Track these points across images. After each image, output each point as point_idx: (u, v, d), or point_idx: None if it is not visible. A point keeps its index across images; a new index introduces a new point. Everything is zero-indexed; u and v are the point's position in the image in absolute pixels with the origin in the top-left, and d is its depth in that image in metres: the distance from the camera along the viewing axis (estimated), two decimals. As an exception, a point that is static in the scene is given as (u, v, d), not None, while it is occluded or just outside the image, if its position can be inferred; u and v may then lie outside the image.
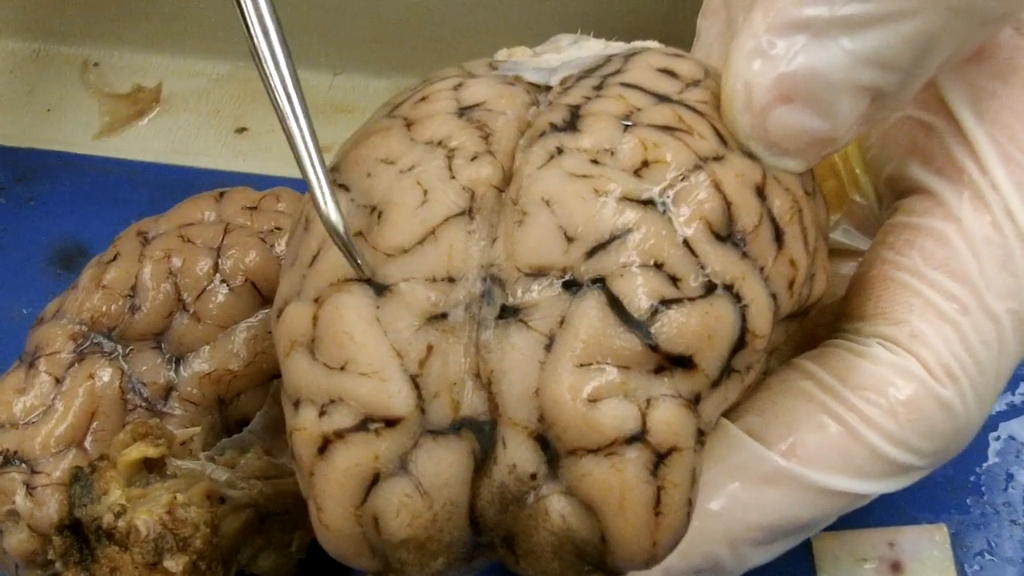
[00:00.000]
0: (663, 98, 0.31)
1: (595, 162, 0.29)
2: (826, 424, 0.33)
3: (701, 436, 0.29)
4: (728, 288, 0.29)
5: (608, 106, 0.30)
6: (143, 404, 0.38)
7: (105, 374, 0.38)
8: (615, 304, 0.28)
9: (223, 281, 0.39)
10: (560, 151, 0.29)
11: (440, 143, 0.30)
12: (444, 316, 0.28)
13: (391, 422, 0.28)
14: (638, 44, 0.34)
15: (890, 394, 0.32)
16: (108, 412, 0.38)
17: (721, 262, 0.29)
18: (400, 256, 0.29)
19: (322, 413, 0.29)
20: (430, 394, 0.28)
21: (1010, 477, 0.45)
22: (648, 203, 0.28)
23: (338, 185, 0.31)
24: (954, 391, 0.32)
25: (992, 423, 0.47)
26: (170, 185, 0.57)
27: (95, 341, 0.39)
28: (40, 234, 0.56)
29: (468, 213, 0.29)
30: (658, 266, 0.28)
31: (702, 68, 0.32)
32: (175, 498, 0.34)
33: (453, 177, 0.29)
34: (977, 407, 0.33)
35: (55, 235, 0.56)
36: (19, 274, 0.54)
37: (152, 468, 0.35)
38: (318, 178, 0.29)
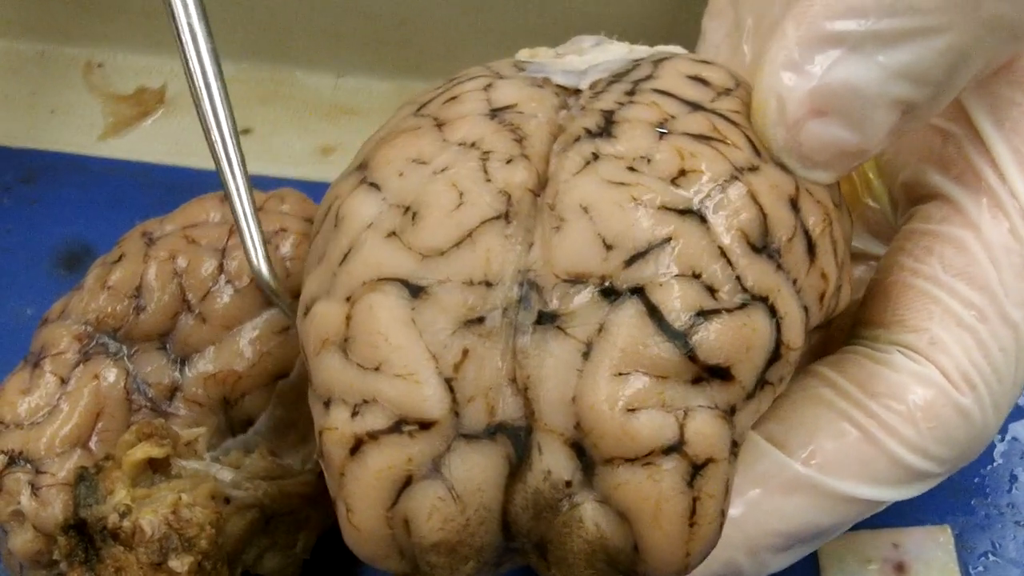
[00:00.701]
0: (696, 106, 0.30)
1: (632, 169, 0.29)
2: (846, 431, 0.33)
3: (735, 447, 0.29)
4: (763, 300, 0.29)
5: (642, 113, 0.30)
6: (148, 405, 0.38)
7: (110, 375, 0.38)
8: (654, 313, 0.28)
9: (228, 282, 0.39)
10: (596, 157, 0.29)
11: (473, 145, 0.30)
12: (481, 320, 0.28)
13: (425, 425, 0.28)
14: (663, 49, 0.34)
15: (910, 401, 0.32)
16: (113, 412, 0.38)
17: (757, 274, 0.29)
18: (436, 258, 0.28)
19: (355, 413, 0.29)
20: (465, 398, 0.28)
21: (1014, 479, 0.45)
22: (686, 212, 0.28)
23: (368, 183, 0.31)
24: (972, 398, 0.33)
25: (996, 425, 0.47)
26: (175, 186, 0.57)
27: (100, 342, 0.39)
28: (45, 235, 0.56)
29: (505, 217, 0.29)
30: (696, 276, 0.28)
31: (732, 77, 0.32)
32: (180, 498, 0.34)
33: (489, 180, 0.29)
34: (994, 414, 0.33)
35: (60, 236, 0.56)
36: (24, 275, 0.54)
37: (157, 468, 0.36)
38: (251, 236, 0.29)
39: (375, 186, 0.30)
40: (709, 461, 0.28)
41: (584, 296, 0.28)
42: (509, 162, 0.29)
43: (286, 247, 0.40)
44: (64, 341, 0.39)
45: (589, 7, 0.54)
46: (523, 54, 0.35)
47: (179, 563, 0.33)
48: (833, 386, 0.33)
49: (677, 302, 0.28)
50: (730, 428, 0.28)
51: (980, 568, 0.43)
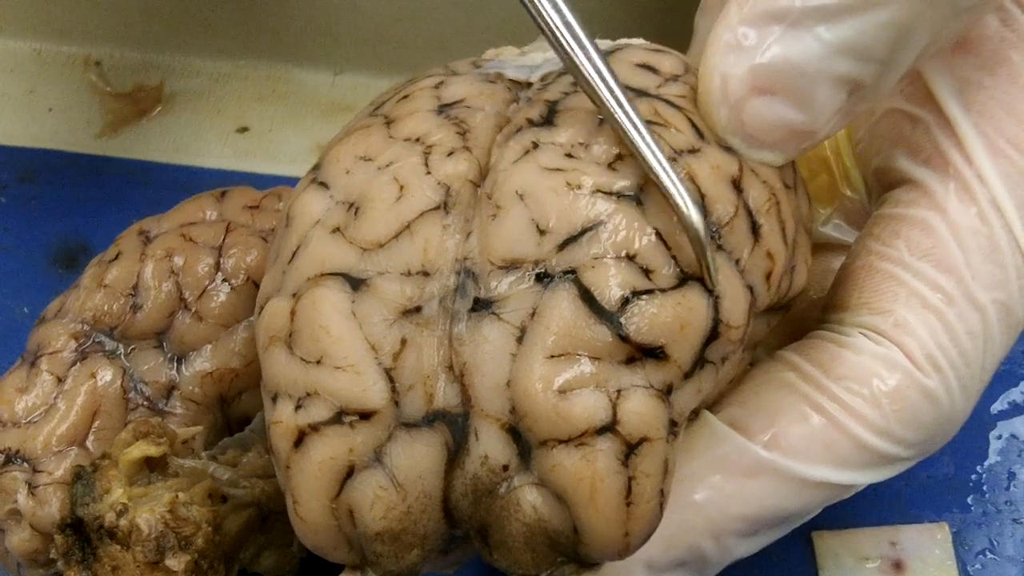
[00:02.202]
0: (641, 92, 0.31)
1: (569, 156, 0.29)
2: (808, 415, 0.32)
3: (674, 427, 0.29)
4: (700, 280, 0.29)
5: (585, 101, 0.30)
6: (145, 403, 0.38)
7: (107, 373, 0.38)
8: (586, 295, 0.28)
9: (225, 280, 0.39)
10: (536, 145, 0.29)
11: (418, 140, 0.30)
12: (418, 310, 0.29)
13: (365, 415, 0.28)
14: (623, 41, 0.34)
15: (873, 384, 0.32)
16: (110, 411, 0.38)
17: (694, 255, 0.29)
18: (376, 251, 0.29)
19: (298, 407, 0.29)
20: (404, 387, 0.28)
21: (1012, 476, 0.45)
22: (620, 195, 0.28)
23: (318, 183, 0.31)
24: (938, 381, 0.32)
25: (994, 422, 0.47)
26: (171, 184, 0.57)
27: (97, 340, 0.39)
28: (42, 233, 0.56)
29: (443, 207, 0.29)
30: (630, 258, 0.28)
31: (683, 63, 0.32)
32: (177, 497, 0.34)
33: (429, 173, 0.29)
34: (962, 398, 0.33)
35: (57, 234, 0.56)
36: (21, 273, 0.54)
37: (154, 467, 0.36)
38: (671, 180, 0.28)
39: (324, 185, 0.31)
40: (644, 440, 0.28)
41: (518, 281, 0.28)
42: (450, 155, 0.30)
43: (283, 245, 0.40)
44: (61, 339, 0.39)
45: (582, 5, 0.54)
46: (488, 54, 0.35)
47: (176, 561, 0.33)
48: (796, 369, 0.33)
49: (610, 283, 0.28)
50: (667, 407, 0.28)
51: (978, 565, 0.43)
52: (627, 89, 0.30)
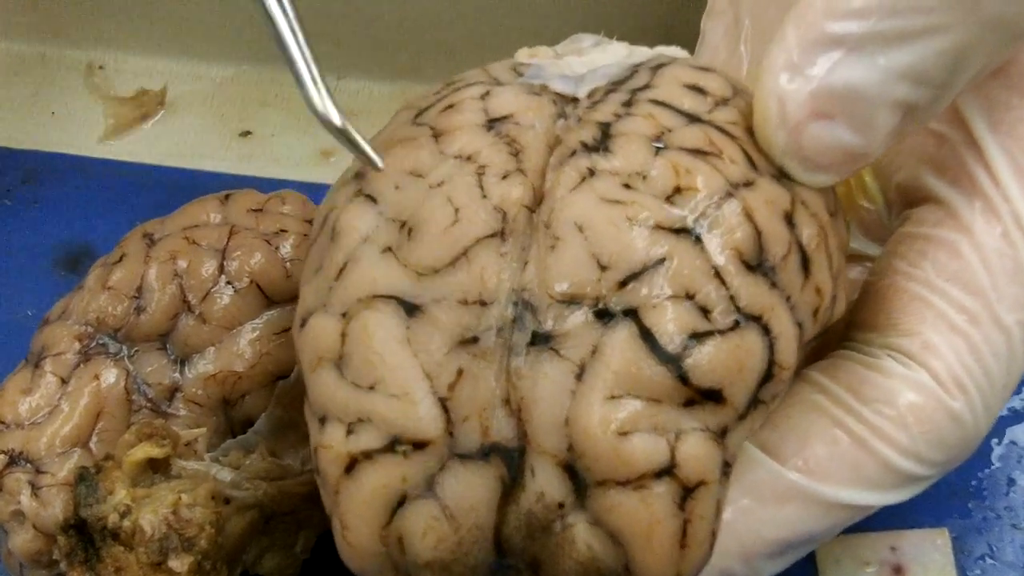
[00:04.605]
0: (693, 118, 0.30)
1: (627, 186, 0.29)
2: (839, 438, 0.33)
3: (727, 468, 0.29)
4: (757, 320, 0.29)
5: (639, 126, 0.30)
6: (148, 405, 0.38)
7: (110, 375, 0.38)
8: (647, 336, 0.28)
9: (228, 283, 0.39)
10: (592, 172, 0.29)
11: (470, 158, 0.30)
12: (476, 340, 0.28)
13: (419, 444, 0.28)
14: (663, 51, 0.34)
15: (901, 406, 0.32)
16: (113, 413, 0.38)
17: (751, 293, 0.29)
18: (431, 276, 0.28)
19: (350, 432, 0.29)
20: (459, 417, 0.28)
21: (1012, 482, 0.45)
22: (681, 232, 0.28)
23: (365, 195, 0.30)
24: (964, 402, 0.33)
25: (994, 428, 0.47)
26: (175, 188, 0.57)
27: (100, 342, 0.39)
28: (45, 236, 0.56)
29: (500, 235, 0.29)
30: (690, 297, 0.28)
31: (731, 84, 0.32)
32: (180, 498, 0.34)
33: (485, 196, 0.29)
34: (985, 416, 0.33)
35: (60, 237, 0.56)
36: (25, 275, 0.54)
37: (157, 468, 0.36)
38: (311, 73, 0.28)
39: (371, 198, 0.30)
40: (700, 484, 0.28)
41: (578, 317, 0.28)
42: (505, 177, 0.29)
43: (286, 248, 0.40)
44: (65, 341, 0.39)
45: (588, 9, 0.54)
46: (522, 54, 0.35)
47: (179, 563, 0.33)
48: (825, 392, 0.33)
49: (670, 325, 0.28)
50: (721, 450, 0.28)
51: (977, 571, 0.44)
52: (680, 113, 0.30)
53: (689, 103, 0.31)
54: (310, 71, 0.29)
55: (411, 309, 0.28)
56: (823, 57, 0.29)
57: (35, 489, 0.37)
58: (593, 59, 0.34)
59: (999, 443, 0.46)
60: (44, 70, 0.64)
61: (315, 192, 0.44)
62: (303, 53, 0.29)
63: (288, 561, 0.39)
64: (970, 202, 0.33)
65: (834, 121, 0.29)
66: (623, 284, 0.28)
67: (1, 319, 0.53)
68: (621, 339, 0.28)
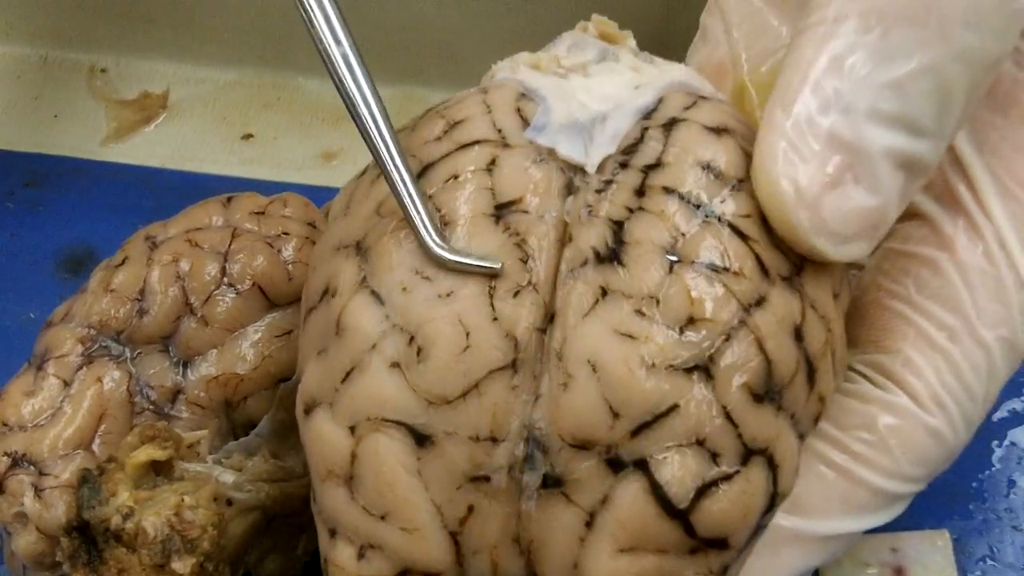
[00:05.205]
0: (707, 218, 0.30)
1: (640, 313, 0.28)
2: (824, 473, 0.33)
3: None
4: (763, 452, 0.29)
5: (651, 232, 0.29)
6: (151, 407, 0.38)
7: (113, 377, 0.38)
8: (657, 491, 0.28)
9: (231, 285, 0.39)
10: (605, 293, 0.29)
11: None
12: (487, 479, 0.28)
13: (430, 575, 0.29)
14: (671, 78, 0.33)
15: (881, 430, 0.33)
16: (116, 415, 0.38)
17: (758, 426, 0.29)
18: (442, 407, 0.28)
19: (361, 556, 0.29)
20: (469, 551, 0.29)
21: (1012, 483, 0.45)
22: (692, 370, 0.28)
23: (372, 292, 0.30)
24: (943, 419, 0.33)
25: (995, 430, 0.47)
26: (177, 190, 0.57)
27: (103, 344, 0.39)
28: (48, 238, 0.56)
29: (512, 366, 0.28)
30: (700, 442, 0.28)
31: (742, 153, 0.31)
32: (183, 500, 0.34)
33: (495, 319, 0.28)
34: (965, 430, 0.34)
35: (63, 239, 0.56)
36: (28, 278, 0.55)
37: (160, 471, 0.36)
38: (423, 220, 0.29)
39: (378, 297, 0.30)
40: None
41: (589, 464, 0.28)
42: (516, 295, 0.29)
43: (288, 251, 0.40)
44: (68, 344, 0.39)
45: (588, 14, 0.54)
46: (525, 60, 0.34)
47: (181, 564, 0.33)
48: None
49: (679, 478, 0.28)
50: None
51: (978, 572, 0.44)
52: (693, 207, 0.29)
53: (703, 192, 0.30)
54: (421, 219, 0.29)
55: (421, 439, 0.28)
56: (816, 127, 0.29)
57: (38, 491, 0.37)
58: (601, 86, 0.33)
59: (1000, 445, 0.46)
60: (47, 73, 0.64)
61: (317, 195, 0.44)
62: (415, 203, 0.30)
63: (289, 563, 0.39)
64: (953, 220, 0.33)
65: (847, 186, 0.29)
66: (635, 433, 0.28)
67: (4, 322, 0.53)
68: (631, 492, 0.28)
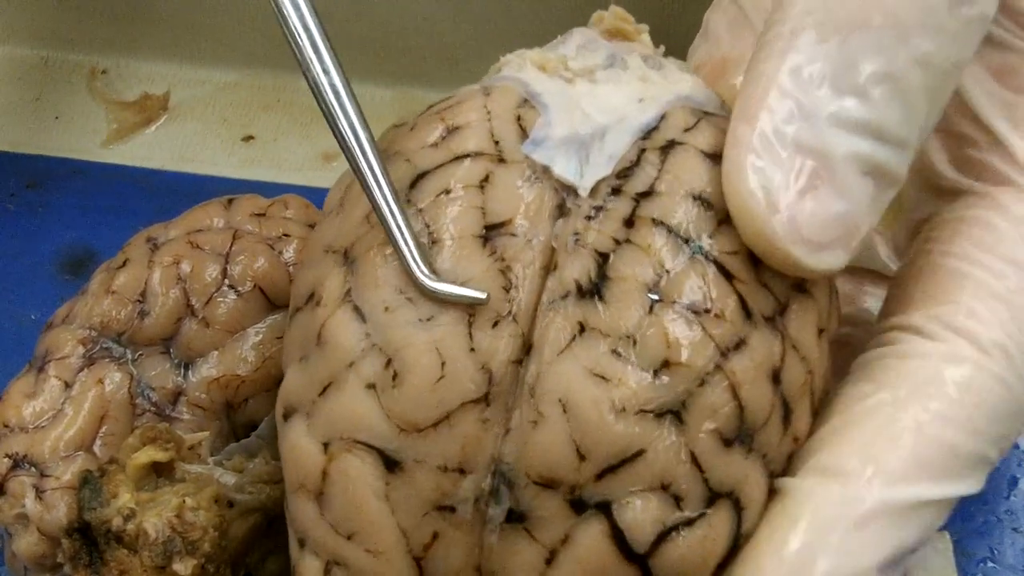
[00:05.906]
0: (694, 255, 0.29)
1: (616, 353, 0.28)
2: (898, 436, 0.32)
3: None
4: (729, 495, 0.29)
5: (636, 268, 0.29)
6: (152, 409, 0.38)
7: (114, 379, 0.38)
8: (618, 535, 0.28)
9: (232, 287, 0.39)
10: (583, 329, 0.29)
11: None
12: (452, 509, 0.29)
13: None
14: (678, 93, 0.33)
15: (948, 383, 0.32)
16: (117, 416, 0.38)
17: (725, 469, 0.29)
18: (413, 434, 0.29)
19: (327, 571, 0.30)
20: None
21: (1013, 485, 0.46)
22: (663, 415, 0.28)
23: (354, 308, 0.30)
24: (1008, 367, 0.32)
25: (995, 431, 0.47)
26: (177, 192, 0.57)
27: (104, 346, 0.39)
28: (49, 240, 0.56)
29: (485, 399, 0.28)
30: (664, 487, 0.28)
31: None
32: (184, 502, 0.34)
33: (473, 349, 0.28)
34: None
35: (64, 241, 0.56)
36: (28, 280, 0.55)
37: (161, 472, 0.36)
38: (411, 252, 0.29)
39: (360, 313, 0.30)
40: None
41: (553, 503, 0.28)
42: (495, 325, 0.29)
43: (289, 252, 0.40)
44: (68, 345, 0.39)
45: (588, 17, 0.54)
46: (532, 58, 0.34)
47: (183, 566, 0.33)
48: (871, 396, 0.33)
49: (641, 523, 0.28)
50: None
51: (979, 574, 0.44)
52: (682, 241, 0.29)
53: (691, 226, 0.30)
54: (408, 247, 0.29)
55: (391, 464, 0.29)
56: (782, 137, 0.29)
57: (39, 492, 0.37)
58: (606, 96, 0.33)
59: (1000, 446, 0.46)
60: (47, 75, 0.64)
61: (317, 196, 0.44)
62: (402, 232, 0.30)
63: (290, 564, 0.39)
64: (999, 188, 0.34)
65: (818, 191, 0.29)
66: (599, 476, 0.28)
67: (5, 323, 0.53)
68: (591, 534, 0.28)
